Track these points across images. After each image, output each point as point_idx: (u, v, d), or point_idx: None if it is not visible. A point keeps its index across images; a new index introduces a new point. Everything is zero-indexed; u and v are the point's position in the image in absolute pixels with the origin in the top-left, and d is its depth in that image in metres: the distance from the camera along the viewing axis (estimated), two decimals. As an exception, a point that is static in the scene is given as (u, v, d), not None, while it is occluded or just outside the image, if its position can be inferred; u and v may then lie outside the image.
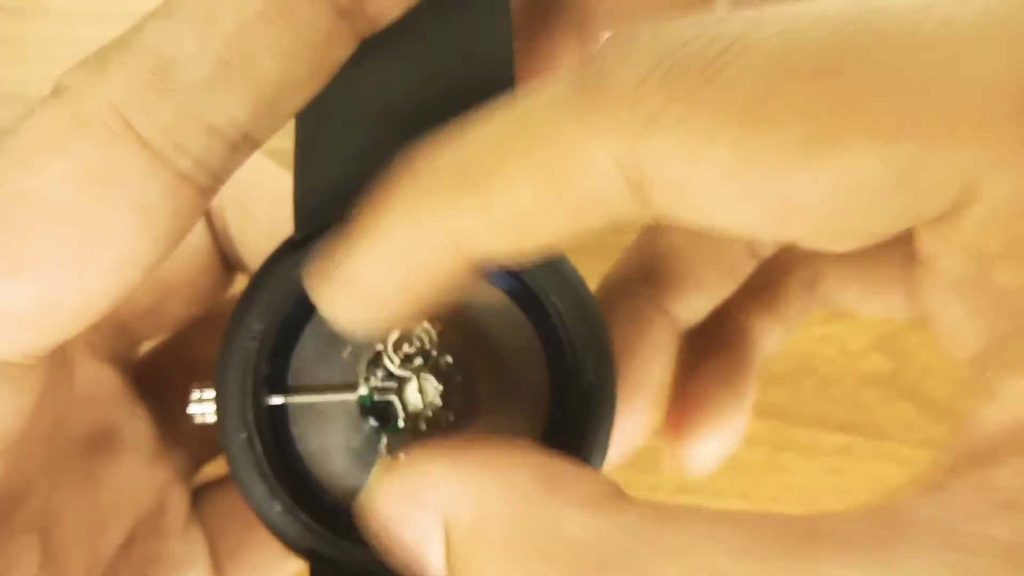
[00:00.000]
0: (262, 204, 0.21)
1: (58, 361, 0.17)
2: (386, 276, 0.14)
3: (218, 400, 0.17)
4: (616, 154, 0.12)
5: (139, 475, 0.20)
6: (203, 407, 0.18)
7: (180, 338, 0.23)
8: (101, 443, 0.20)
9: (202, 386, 0.18)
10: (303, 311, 0.18)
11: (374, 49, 0.16)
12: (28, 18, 0.34)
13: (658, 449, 0.29)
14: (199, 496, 0.22)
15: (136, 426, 0.21)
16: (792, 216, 0.12)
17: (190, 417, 0.18)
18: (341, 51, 0.15)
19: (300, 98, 0.15)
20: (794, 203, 0.12)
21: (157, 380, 0.22)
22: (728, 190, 0.12)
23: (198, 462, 0.22)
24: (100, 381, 0.20)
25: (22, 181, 0.14)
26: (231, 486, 0.22)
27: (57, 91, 0.14)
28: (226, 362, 0.17)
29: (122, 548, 0.20)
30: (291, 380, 0.18)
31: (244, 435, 0.17)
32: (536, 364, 0.18)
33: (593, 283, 0.17)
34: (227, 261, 0.22)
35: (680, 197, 0.13)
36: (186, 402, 0.18)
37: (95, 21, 0.31)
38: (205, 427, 0.20)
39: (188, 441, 0.22)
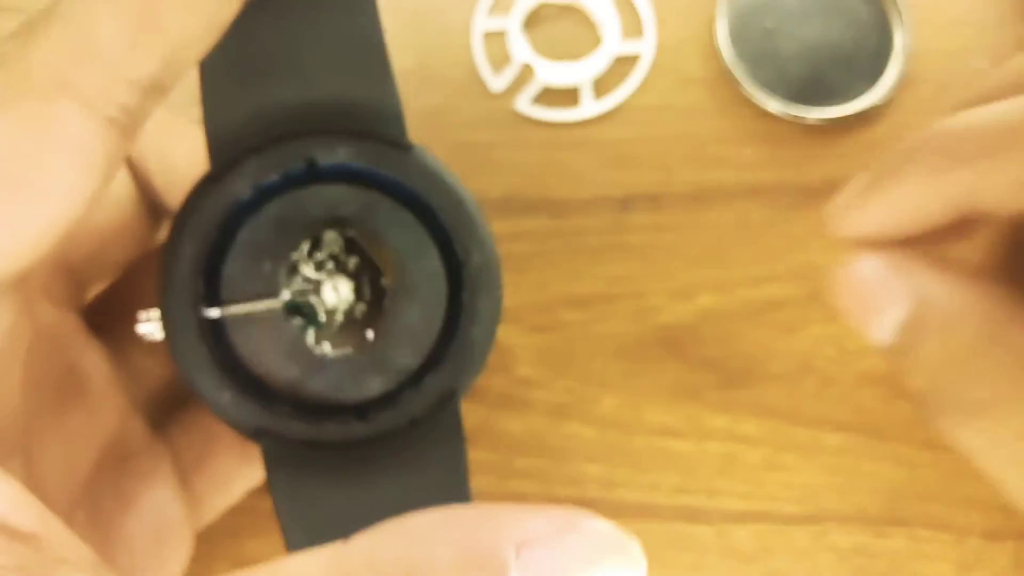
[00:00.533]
0: (179, 156, 0.24)
1: (23, 299, 0.20)
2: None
3: (163, 316, 0.20)
4: None
5: (102, 403, 0.23)
6: (150, 326, 0.21)
7: (121, 282, 0.25)
8: (66, 376, 0.22)
9: (147, 310, 0.21)
10: (226, 235, 0.21)
11: (257, 6, 0.19)
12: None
13: (657, 449, 0.29)
14: (164, 420, 0.25)
15: (93, 360, 0.23)
16: None
17: (139, 346, 0.21)
18: (230, 10, 0.19)
19: (200, 50, 0.19)
20: None
21: (106, 320, 0.24)
22: None
23: (149, 390, 0.25)
24: (58, 322, 0.23)
25: None
26: (191, 410, 0.25)
27: None
28: (166, 282, 0.20)
29: (94, 470, 0.22)
30: (224, 295, 0.21)
31: (189, 342, 0.20)
32: (430, 256, 0.21)
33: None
34: (154, 209, 0.25)
35: None
36: (133, 336, 0.21)
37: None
38: (152, 358, 0.25)
39: (139, 372, 0.25)
